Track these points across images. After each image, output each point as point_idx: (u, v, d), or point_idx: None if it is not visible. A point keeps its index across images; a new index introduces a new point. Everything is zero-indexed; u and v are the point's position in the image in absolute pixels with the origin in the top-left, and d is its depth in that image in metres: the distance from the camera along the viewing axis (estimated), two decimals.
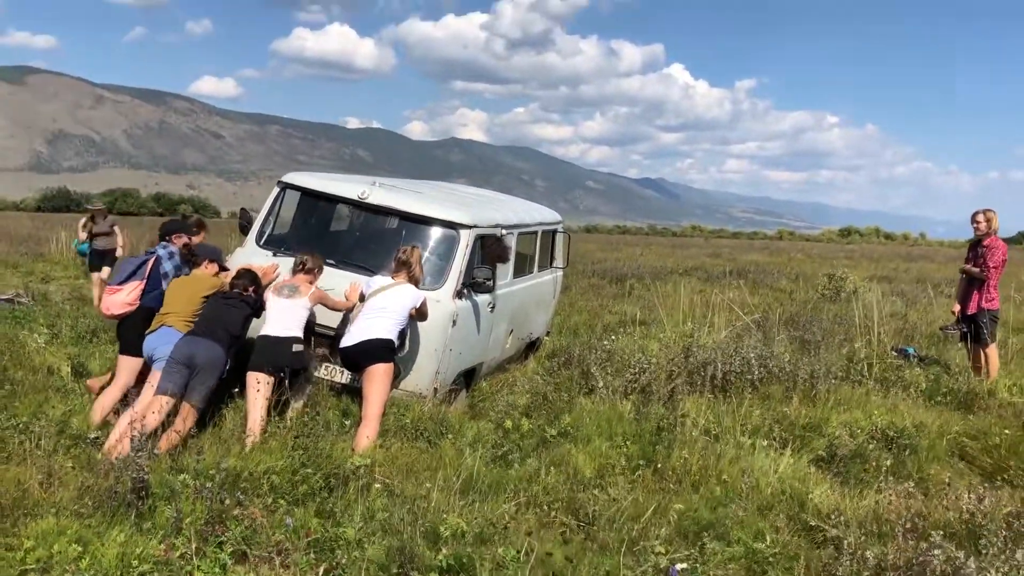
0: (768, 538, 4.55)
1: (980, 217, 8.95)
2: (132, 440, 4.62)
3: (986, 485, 5.26)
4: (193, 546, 3.84)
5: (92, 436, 5.54)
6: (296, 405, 6.03)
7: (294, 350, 5.93)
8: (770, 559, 4.34)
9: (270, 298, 6.08)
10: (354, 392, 6.29)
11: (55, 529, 3.96)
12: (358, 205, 7.24)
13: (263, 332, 5.97)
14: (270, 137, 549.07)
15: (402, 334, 6.32)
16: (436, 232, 7.00)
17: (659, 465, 5.62)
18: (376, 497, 4.67)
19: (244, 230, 7.48)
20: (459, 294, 6.79)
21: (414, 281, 6.32)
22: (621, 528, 4.48)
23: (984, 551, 4.01)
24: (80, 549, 3.82)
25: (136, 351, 6.02)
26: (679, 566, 4.12)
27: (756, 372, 7.75)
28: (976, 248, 9.01)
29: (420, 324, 6.44)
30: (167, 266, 6.42)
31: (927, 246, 55.93)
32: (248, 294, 6.05)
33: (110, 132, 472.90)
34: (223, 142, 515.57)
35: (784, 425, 6.62)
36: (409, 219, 7.06)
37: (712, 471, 5.54)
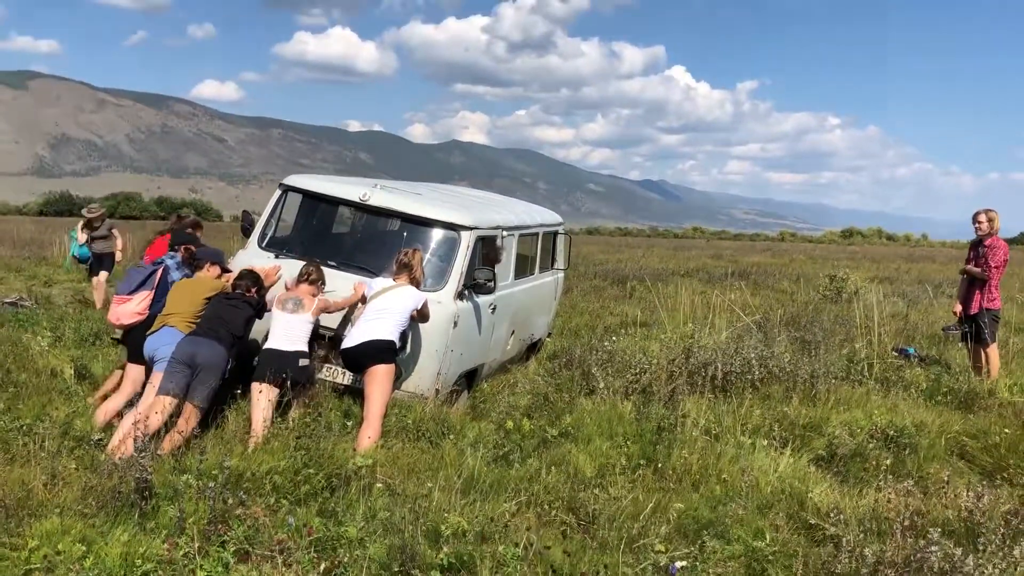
0: (768, 536, 4.57)
1: (982, 217, 8.97)
2: (135, 440, 4.65)
3: (984, 483, 5.28)
4: (196, 545, 3.87)
5: (96, 438, 5.57)
6: (298, 409, 6.05)
7: (300, 364, 5.96)
8: (769, 557, 4.36)
9: (274, 312, 6.11)
10: (356, 393, 6.32)
11: (59, 529, 3.99)
12: (359, 207, 7.27)
13: (268, 346, 6.01)
14: (272, 140, 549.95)
15: (403, 335, 6.35)
16: (437, 234, 7.03)
17: (659, 465, 5.64)
18: (378, 497, 4.70)
19: (246, 232, 7.52)
20: (460, 295, 6.82)
21: (415, 283, 6.36)
22: (621, 526, 4.50)
23: (982, 548, 4.02)
24: (84, 548, 3.85)
25: (143, 360, 6.06)
26: (679, 564, 4.14)
27: (756, 372, 7.77)
28: (977, 248, 9.03)
29: (421, 325, 6.47)
30: (175, 275, 6.47)
31: (929, 247, 55.92)
32: (250, 295, 6.08)
33: (112, 136, 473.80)
34: (225, 146, 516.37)
35: (784, 425, 6.64)
36: (410, 221, 7.09)
37: (712, 470, 5.56)
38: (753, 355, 7.91)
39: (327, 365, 6.57)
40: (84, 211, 12.32)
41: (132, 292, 6.25)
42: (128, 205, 61.92)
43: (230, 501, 4.27)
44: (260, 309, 6.14)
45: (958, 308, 9.15)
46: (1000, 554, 3.90)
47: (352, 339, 6.14)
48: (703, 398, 7.16)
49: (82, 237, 11.97)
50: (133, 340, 6.19)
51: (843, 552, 4.06)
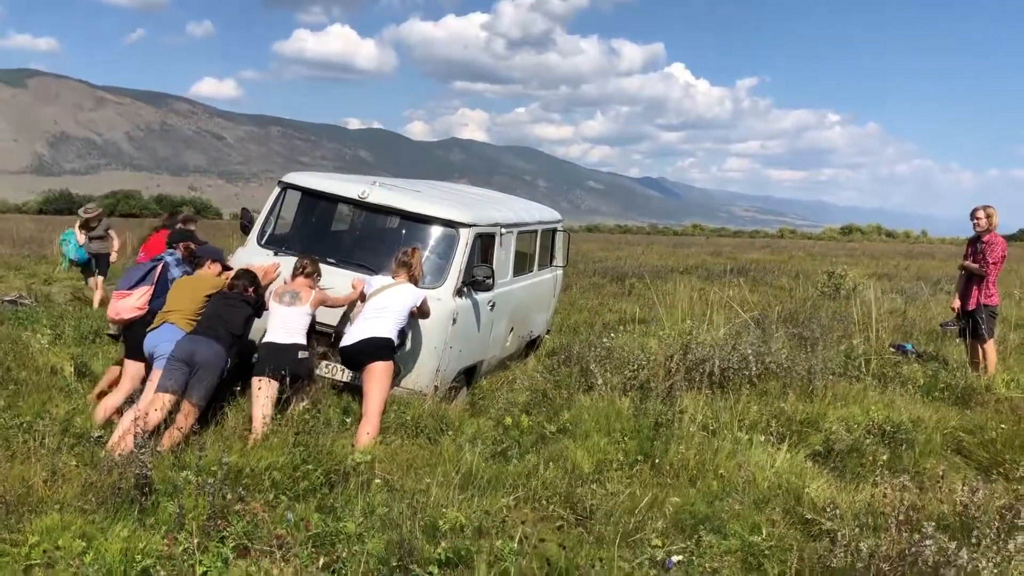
0: (764, 531, 4.60)
1: (980, 213, 8.98)
2: (135, 437, 4.68)
3: (980, 478, 5.30)
4: (195, 541, 3.89)
5: (96, 435, 5.59)
6: (298, 405, 6.08)
7: (299, 357, 5.99)
8: (766, 552, 4.39)
9: (272, 305, 6.13)
10: (355, 390, 6.35)
11: (59, 525, 4.02)
12: (358, 204, 7.30)
13: (267, 340, 6.03)
14: (271, 138, 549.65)
15: (402, 332, 6.38)
16: (436, 231, 7.05)
17: (657, 460, 5.67)
18: (376, 492, 4.72)
19: (245, 230, 7.54)
20: (459, 292, 6.84)
21: (414, 281, 6.38)
22: (618, 521, 4.53)
23: (976, 542, 4.05)
24: (84, 544, 3.87)
25: (142, 356, 6.08)
26: (675, 558, 4.17)
27: (754, 368, 7.79)
28: (975, 244, 9.05)
29: (421, 322, 6.50)
30: (175, 272, 6.48)
31: (928, 243, 55.95)
32: (248, 295, 6.10)
33: (111, 134, 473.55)
34: (224, 143, 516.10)
35: (781, 420, 6.67)
36: (409, 218, 7.11)
37: (709, 466, 5.59)
38: (751, 351, 7.94)
39: (326, 362, 6.60)
40: (81, 211, 12.24)
41: (132, 288, 6.27)
42: (128, 203, 61.92)
43: (229, 497, 4.29)
44: (259, 308, 6.17)
45: (956, 304, 9.17)
46: (995, 548, 3.92)
47: (351, 337, 6.16)
48: (700, 394, 7.18)
49: (81, 238, 11.95)
50: (132, 336, 6.22)
51: (838, 546, 4.08)
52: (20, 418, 5.68)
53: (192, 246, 6.71)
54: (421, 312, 6.36)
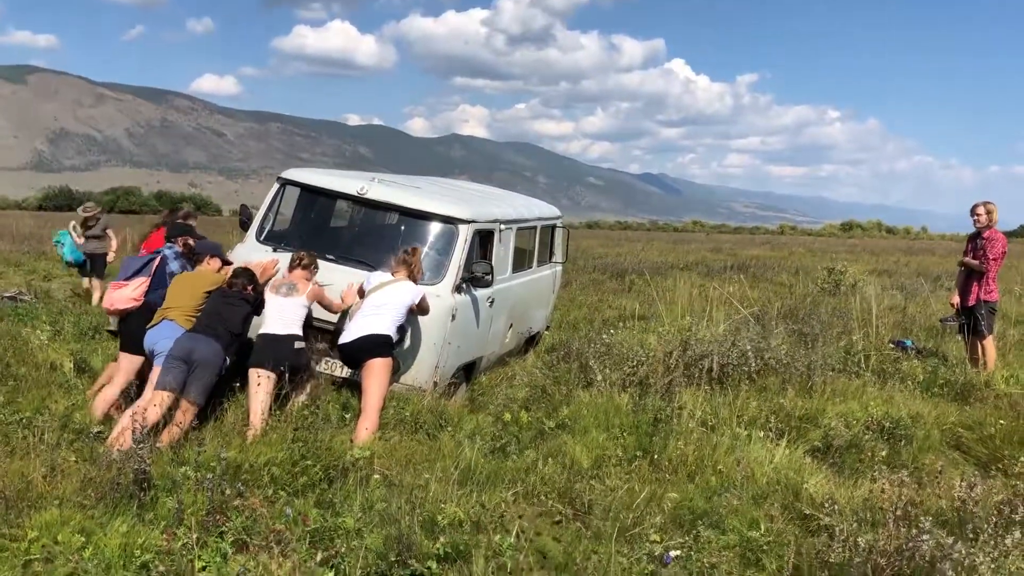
0: (762, 526, 4.61)
1: (980, 209, 8.98)
2: (133, 433, 4.68)
3: (978, 474, 5.30)
4: (194, 536, 3.90)
5: (95, 431, 5.60)
6: (297, 399, 6.08)
7: (295, 347, 5.99)
8: (764, 547, 4.40)
9: (268, 296, 6.13)
10: (354, 386, 6.35)
11: (58, 520, 4.02)
12: (357, 201, 7.29)
13: (263, 331, 6.03)
14: (271, 135, 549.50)
15: (402, 329, 6.38)
16: (435, 227, 7.04)
17: (656, 456, 5.68)
18: (375, 488, 4.73)
19: (244, 226, 7.53)
20: (458, 289, 6.84)
21: (414, 279, 6.38)
22: (616, 517, 4.54)
23: (972, 537, 4.06)
24: (83, 539, 3.88)
25: (138, 349, 6.07)
26: (673, 553, 4.18)
27: (753, 364, 7.80)
28: (975, 240, 9.05)
29: (420, 318, 6.50)
30: (173, 266, 6.48)
31: (929, 239, 55.98)
32: (247, 292, 6.10)
33: (111, 131, 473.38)
34: (224, 140, 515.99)
35: (780, 416, 6.67)
36: (408, 214, 7.10)
37: (708, 461, 5.59)
38: (750, 347, 7.94)
39: (326, 359, 6.60)
40: (80, 209, 12.19)
41: (128, 278, 6.26)
42: (127, 199, 61.92)
43: (228, 492, 4.30)
44: (258, 306, 6.17)
45: (955, 300, 9.17)
46: (992, 543, 3.93)
47: (349, 334, 6.16)
48: (700, 390, 7.19)
49: (78, 239, 11.90)
50: (127, 329, 6.20)
51: (836, 541, 4.09)
52: (20, 414, 5.68)
53: (191, 242, 6.71)
54: (420, 309, 6.37)
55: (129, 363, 6.13)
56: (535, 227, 8.94)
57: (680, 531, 4.60)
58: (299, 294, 6.11)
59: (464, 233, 6.91)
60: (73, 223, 12.11)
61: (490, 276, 6.95)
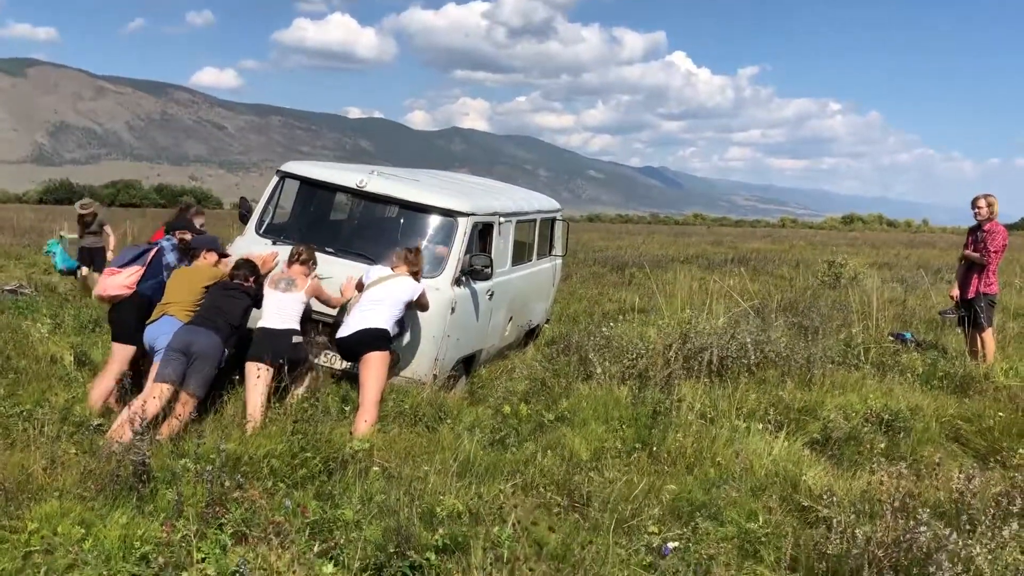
0: (761, 518, 4.62)
1: (981, 202, 8.97)
2: (132, 425, 4.69)
3: (977, 466, 5.32)
4: (194, 528, 3.90)
5: (95, 423, 5.61)
6: (296, 392, 6.10)
7: (293, 342, 6.00)
8: (762, 539, 4.41)
9: (267, 291, 6.14)
10: (353, 379, 6.36)
11: (58, 512, 4.03)
12: (356, 194, 7.28)
13: (261, 325, 6.05)
14: (272, 128, 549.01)
15: (401, 322, 6.38)
16: (434, 220, 7.04)
17: (654, 448, 5.69)
18: (374, 480, 4.74)
19: (244, 219, 7.54)
20: (458, 282, 6.84)
21: (415, 277, 6.37)
22: (614, 508, 4.55)
23: (969, 528, 4.07)
24: (83, 531, 3.89)
25: (129, 339, 6.07)
26: (671, 545, 4.19)
27: (752, 357, 7.80)
28: (976, 233, 9.04)
29: (419, 311, 6.50)
30: (170, 257, 6.47)
31: (930, 232, 55.92)
32: (248, 284, 6.11)
33: (112, 124, 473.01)
34: (225, 133, 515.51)
35: (779, 408, 6.68)
36: (407, 207, 7.10)
37: (707, 453, 5.61)
38: (750, 340, 7.95)
39: (326, 351, 6.61)
40: (77, 206, 12.07)
41: (123, 266, 6.25)
42: (128, 193, 61.89)
43: (227, 484, 4.30)
44: (258, 298, 6.17)
45: (955, 292, 9.17)
46: (989, 534, 3.94)
47: (347, 328, 6.17)
48: (699, 383, 7.19)
49: (74, 236, 11.84)
50: (118, 317, 6.19)
51: (834, 533, 4.09)
52: (20, 406, 5.70)
53: (187, 236, 6.68)
54: (419, 305, 6.37)
55: (122, 352, 6.12)
56: (535, 220, 8.94)
57: (678, 523, 4.61)
58: (297, 290, 6.11)
59: (463, 226, 6.91)
60: (61, 233, 12.03)
61: (489, 269, 6.95)
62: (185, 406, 5.50)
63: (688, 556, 4.18)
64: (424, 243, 6.96)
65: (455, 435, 5.69)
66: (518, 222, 8.20)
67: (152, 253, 6.39)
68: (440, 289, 6.67)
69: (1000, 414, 6.65)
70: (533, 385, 7.37)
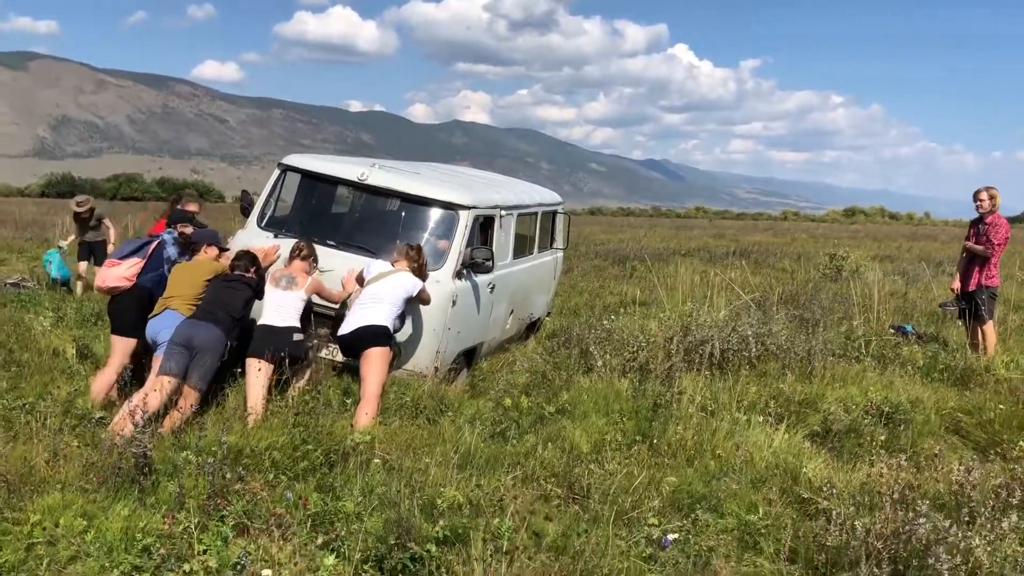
0: (760, 510, 4.63)
1: (983, 195, 8.96)
2: (133, 416, 4.71)
3: (975, 458, 5.32)
4: (195, 520, 3.92)
5: (97, 416, 5.62)
6: (297, 385, 6.11)
7: (294, 339, 6.01)
8: (762, 530, 4.42)
9: (268, 288, 6.15)
10: (354, 371, 6.36)
11: (61, 504, 4.05)
12: (358, 187, 7.28)
13: (261, 322, 6.06)
14: (273, 121, 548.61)
15: (402, 316, 6.39)
16: (436, 213, 7.04)
17: (655, 441, 5.69)
18: (375, 472, 4.75)
19: (245, 212, 7.54)
20: (459, 275, 6.84)
21: (420, 275, 6.36)
22: (614, 500, 4.56)
23: (968, 520, 4.08)
24: (85, 523, 3.91)
25: (128, 331, 6.07)
26: (671, 537, 4.20)
27: (753, 350, 7.81)
28: (978, 225, 9.03)
29: (421, 305, 6.51)
30: (171, 251, 6.47)
31: (932, 225, 55.86)
32: (249, 276, 6.12)
33: (113, 117, 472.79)
34: (226, 126, 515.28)
35: (780, 401, 6.68)
36: (409, 200, 7.10)
37: (707, 446, 5.61)
38: (751, 332, 7.95)
39: (328, 344, 6.61)
40: (73, 204, 11.77)
41: (123, 258, 6.26)
42: (130, 186, 61.92)
43: (229, 477, 4.32)
44: (259, 290, 6.18)
45: (956, 285, 9.16)
46: (988, 526, 3.95)
47: (347, 325, 6.18)
48: (700, 375, 7.20)
49: (66, 241, 11.73)
50: (117, 309, 6.19)
51: (834, 525, 4.11)
52: (22, 399, 5.72)
53: (188, 230, 6.68)
54: (420, 299, 6.37)
55: (122, 345, 6.12)
56: (536, 213, 8.94)
57: (678, 515, 4.62)
58: (298, 288, 6.12)
59: (464, 219, 6.91)
60: (60, 243, 11.88)
61: (491, 262, 6.95)
62: (187, 399, 5.52)
63: (688, 548, 4.20)
64: (425, 236, 6.96)
65: (456, 427, 5.70)
66: (519, 215, 8.20)
67: (153, 246, 6.39)
68: (441, 282, 6.68)
69: (1000, 407, 6.65)
70: (534, 378, 7.37)
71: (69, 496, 4.16)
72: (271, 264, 6.52)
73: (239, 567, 3.60)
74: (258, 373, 5.73)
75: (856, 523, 3.99)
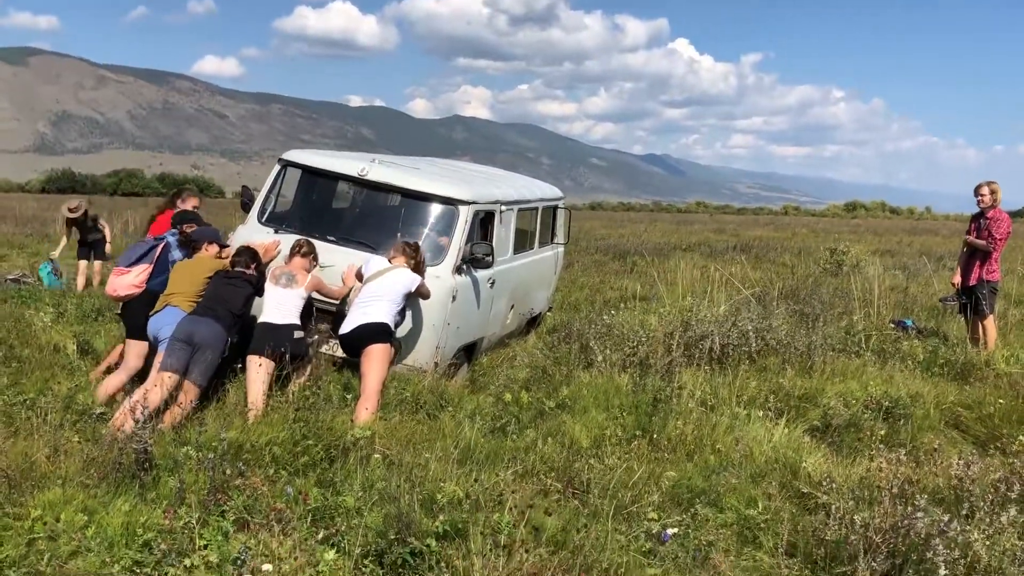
0: (760, 505, 4.64)
1: (984, 189, 8.95)
2: (134, 412, 4.72)
3: (975, 452, 5.33)
4: (196, 515, 3.93)
5: (98, 411, 5.63)
6: (298, 381, 6.12)
7: (295, 336, 6.02)
8: (761, 525, 4.43)
9: (268, 286, 6.16)
10: (354, 366, 6.37)
11: (61, 499, 4.05)
12: (358, 182, 7.28)
13: (262, 319, 6.07)
14: (273, 116, 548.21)
15: (402, 312, 6.40)
16: (436, 208, 7.04)
17: (655, 435, 5.70)
18: (375, 467, 4.75)
19: (246, 208, 7.54)
20: (459, 270, 6.85)
21: (418, 271, 6.37)
22: (614, 495, 4.57)
23: (967, 514, 4.09)
24: (86, 518, 3.91)
25: (141, 335, 6.10)
26: (671, 531, 4.21)
27: (754, 344, 7.82)
28: (979, 220, 9.03)
29: (420, 300, 6.52)
30: (176, 253, 6.49)
31: (933, 220, 55.82)
32: (250, 273, 6.12)
33: (113, 113, 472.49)
34: (226, 122, 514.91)
35: (780, 396, 6.69)
36: (409, 195, 7.10)
37: (707, 441, 5.62)
38: (751, 327, 7.96)
39: (328, 340, 6.62)
40: (65, 210, 11.65)
41: (131, 265, 6.29)
42: (130, 182, 61.95)
43: (229, 472, 4.32)
44: (260, 286, 6.19)
45: (957, 279, 9.16)
46: (987, 520, 3.95)
47: (348, 324, 6.19)
48: (700, 370, 7.21)
49: (57, 251, 11.69)
50: (131, 315, 6.23)
51: (833, 519, 4.11)
52: (23, 395, 5.73)
53: (188, 229, 6.69)
54: (420, 294, 6.38)
55: (138, 348, 6.16)
56: (537, 208, 8.93)
57: (678, 509, 4.63)
58: (298, 285, 6.13)
59: (464, 214, 6.91)
60: (52, 256, 11.81)
61: (491, 257, 6.95)
62: (188, 395, 5.53)
63: (687, 542, 4.21)
64: (425, 231, 6.97)
65: (456, 423, 5.71)
66: (520, 210, 8.19)
67: (159, 249, 6.41)
68: (441, 277, 6.68)
69: (1000, 401, 6.66)
70: (534, 373, 7.38)
71: (70, 491, 4.16)
72: (272, 260, 6.53)
73: (239, 562, 3.61)
74: (258, 369, 5.74)
75: (855, 517, 4.00)
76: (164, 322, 5.83)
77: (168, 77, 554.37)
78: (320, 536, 3.90)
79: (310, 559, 3.72)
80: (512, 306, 8.30)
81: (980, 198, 8.96)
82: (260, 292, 6.19)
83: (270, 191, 7.40)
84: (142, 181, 64.06)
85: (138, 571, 3.62)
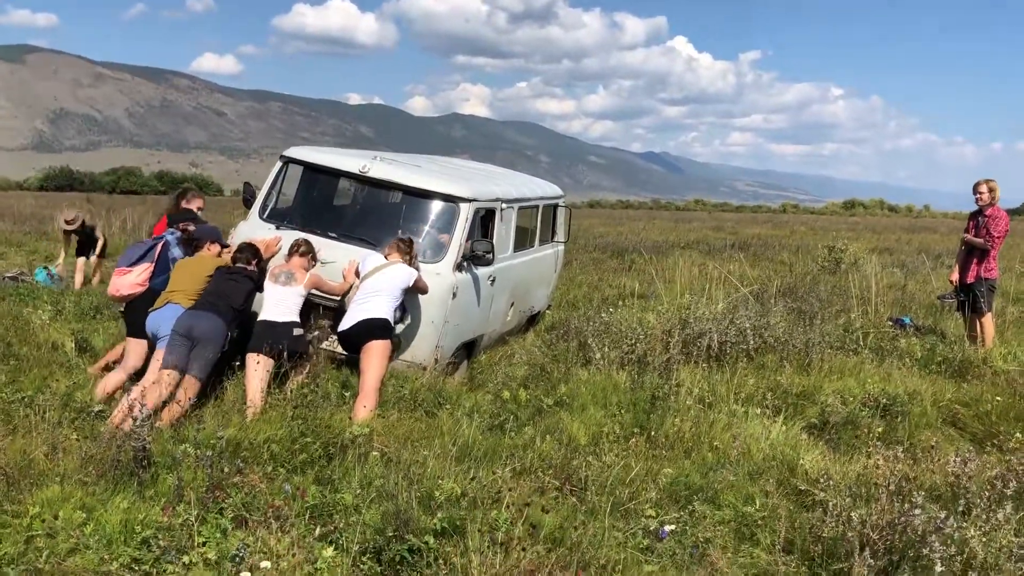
0: (757, 502, 4.64)
1: (983, 187, 8.97)
2: (132, 410, 4.72)
3: (972, 450, 5.34)
4: (194, 512, 3.93)
5: (96, 409, 5.63)
6: (296, 378, 6.13)
7: (294, 334, 6.03)
8: (758, 522, 4.44)
9: (267, 284, 6.16)
10: (353, 364, 6.38)
11: (60, 497, 4.05)
12: (359, 179, 7.28)
13: (261, 317, 6.08)
14: (272, 114, 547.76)
15: (401, 308, 6.41)
16: (436, 205, 7.05)
17: (652, 433, 5.71)
18: (374, 464, 4.76)
19: (248, 204, 7.55)
20: (459, 267, 6.85)
21: (409, 264, 6.39)
22: (612, 492, 4.58)
23: (963, 511, 4.10)
24: (84, 515, 3.91)
25: (143, 334, 6.10)
26: (668, 528, 4.22)
27: (751, 342, 7.83)
28: (977, 218, 9.04)
29: (420, 296, 6.53)
30: (176, 252, 6.50)
31: (931, 217, 55.87)
32: (251, 269, 6.13)
33: (111, 111, 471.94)
34: (225, 119, 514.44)
35: (777, 393, 6.71)
36: (410, 193, 7.11)
37: (704, 438, 5.63)
38: (748, 325, 7.97)
39: (329, 336, 6.63)
40: (61, 221, 11.58)
41: (132, 265, 6.30)
42: (129, 180, 61.90)
43: (227, 469, 4.34)
44: (261, 283, 6.20)
45: (955, 277, 9.18)
46: (984, 517, 3.97)
47: (347, 321, 6.20)
48: (698, 368, 7.22)
49: (59, 261, 11.68)
50: (133, 314, 6.24)
51: (830, 516, 4.12)
52: (21, 393, 5.72)
53: (189, 228, 6.70)
54: (418, 289, 6.39)
55: (139, 347, 6.16)
56: (537, 206, 8.94)
57: (676, 506, 4.64)
58: (297, 283, 6.14)
59: (465, 212, 6.91)
60: (50, 268, 11.80)
61: (491, 255, 6.96)
62: (187, 391, 5.52)
63: (685, 539, 4.22)
64: (426, 228, 6.97)
65: (454, 420, 5.71)
66: (520, 208, 8.20)
67: (159, 248, 6.42)
68: (441, 274, 6.68)
69: (998, 398, 6.67)
70: (532, 370, 7.38)
71: (68, 489, 4.16)
72: (272, 256, 6.54)
73: (238, 559, 3.61)
74: (257, 367, 5.75)
75: (852, 514, 4.01)
76: (164, 319, 5.83)
77: (166, 75, 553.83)
78: (318, 533, 3.90)
79: (308, 556, 3.72)
80: (512, 304, 8.31)
81: (978, 196, 8.97)
82: (261, 288, 6.20)
83: (271, 188, 7.41)
84: (140, 179, 64.02)
85: (136, 568, 3.63)
